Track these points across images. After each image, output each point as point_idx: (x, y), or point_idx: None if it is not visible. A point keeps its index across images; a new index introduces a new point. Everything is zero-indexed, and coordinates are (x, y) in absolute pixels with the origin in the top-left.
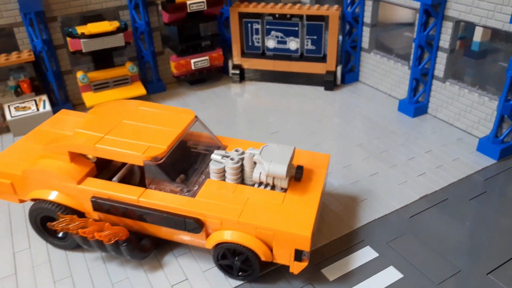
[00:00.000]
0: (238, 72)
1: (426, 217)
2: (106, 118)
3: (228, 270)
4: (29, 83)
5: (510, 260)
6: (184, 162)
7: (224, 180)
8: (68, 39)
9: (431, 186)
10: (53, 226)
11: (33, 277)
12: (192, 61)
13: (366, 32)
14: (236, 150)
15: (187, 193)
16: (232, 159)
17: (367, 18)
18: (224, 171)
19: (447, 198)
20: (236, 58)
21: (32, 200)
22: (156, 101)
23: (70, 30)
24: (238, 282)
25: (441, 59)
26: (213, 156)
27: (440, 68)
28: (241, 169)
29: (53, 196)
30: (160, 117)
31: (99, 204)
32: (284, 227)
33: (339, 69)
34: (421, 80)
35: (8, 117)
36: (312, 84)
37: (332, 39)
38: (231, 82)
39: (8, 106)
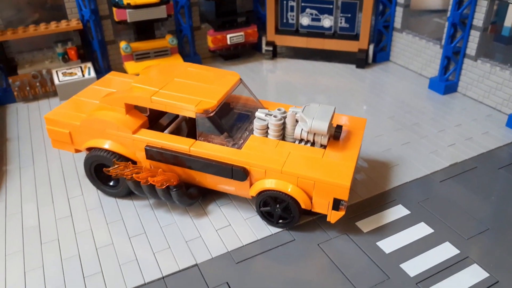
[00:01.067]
0: (271, 48)
1: (456, 182)
2: (159, 76)
3: (268, 217)
4: (75, 51)
5: None
6: (230, 120)
7: (266, 136)
8: (114, 9)
9: (461, 155)
10: (109, 171)
11: (87, 219)
12: (228, 36)
13: (399, 12)
14: (279, 109)
15: (234, 146)
16: (275, 116)
17: None
18: (267, 128)
19: (476, 166)
20: (270, 35)
21: (87, 149)
22: None
23: (116, 0)
24: (278, 229)
25: (474, 37)
26: (257, 114)
27: (472, 46)
28: (283, 126)
29: (108, 145)
30: (207, 77)
31: (152, 153)
32: (325, 177)
33: (371, 47)
34: (452, 58)
35: (56, 82)
36: (343, 61)
37: (365, 18)
38: (264, 59)
39: (56, 71)
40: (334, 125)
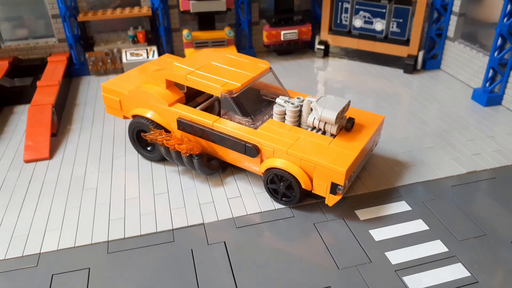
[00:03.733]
0: (323, 47)
1: (469, 188)
2: (199, 59)
3: (274, 194)
4: (144, 35)
5: None
6: (255, 104)
7: (283, 121)
8: (180, 0)
9: (482, 165)
10: (146, 136)
11: (124, 175)
12: (282, 32)
13: (453, 20)
14: (298, 98)
15: (251, 126)
16: (292, 103)
17: (456, 7)
18: (285, 113)
19: (495, 177)
20: (324, 34)
21: (133, 116)
22: None
23: None
24: (281, 206)
25: None
26: (277, 100)
27: None
28: (299, 114)
29: (149, 114)
30: (241, 63)
31: (182, 124)
32: (325, 161)
33: (420, 54)
34: (498, 70)
35: (124, 60)
36: (392, 65)
37: (417, 24)
38: (315, 57)
39: (125, 51)
40: (348, 117)
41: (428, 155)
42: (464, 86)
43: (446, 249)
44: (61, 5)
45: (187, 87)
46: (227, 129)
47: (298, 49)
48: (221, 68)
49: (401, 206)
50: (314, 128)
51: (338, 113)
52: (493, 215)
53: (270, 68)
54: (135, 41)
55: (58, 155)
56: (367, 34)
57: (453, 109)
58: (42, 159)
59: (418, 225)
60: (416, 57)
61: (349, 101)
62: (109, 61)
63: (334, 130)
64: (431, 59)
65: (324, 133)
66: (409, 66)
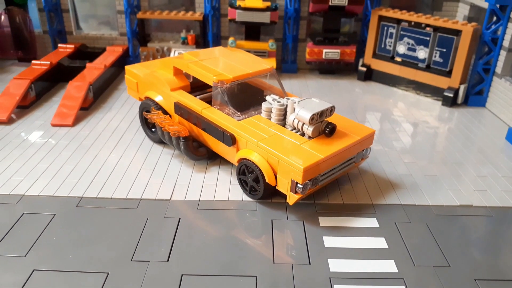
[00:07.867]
0: (364, 70)
1: (454, 220)
2: (209, 53)
3: (244, 185)
4: (193, 38)
5: (507, 280)
6: (250, 100)
7: (270, 119)
8: (229, 8)
9: (483, 201)
10: (147, 115)
11: (125, 148)
12: (324, 50)
13: (502, 56)
14: (287, 98)
15: (236, 118)
16: (278, 102)
17: (506, 42)
18: (271, 111)
19: (491, 215)
20: (367, 58)
21: (145, 98)
22: (283, 79)
23: (233, 1)
24: (249, 199)
25: None
26: (267, 97)
27: None
28: (285, 113)
29: (156, 97)
30: (245, 60)
31: (179, 109)
32: (287, 157)
33: (462, 87)
34: None
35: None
36: (432, 96)
37: (460, 56)
38: (356, 79)
39: (174, 50)
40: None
41: (425, 182)
42: (504, 127)
43: (396, 271)
44: (125, 2)
45: (194, 77)
46: (212, 117)
47: (341, 69)
48: (224, 62)
49: (369, 222)
50: (294, 128)
51: (314, 114)
52: (469, 251)
53: (274, 70)
54: (185, 42)
55: (80, 125)
56: (410, 62)
57: (479, 146)
58: (65, 125)
59: (378, 243)
60: (457, 90)
61: (333, 106)
62: (158, 56)
63: (310, 131)
64: (476, 95)
65: (303, 134)
66: (448, 98)
